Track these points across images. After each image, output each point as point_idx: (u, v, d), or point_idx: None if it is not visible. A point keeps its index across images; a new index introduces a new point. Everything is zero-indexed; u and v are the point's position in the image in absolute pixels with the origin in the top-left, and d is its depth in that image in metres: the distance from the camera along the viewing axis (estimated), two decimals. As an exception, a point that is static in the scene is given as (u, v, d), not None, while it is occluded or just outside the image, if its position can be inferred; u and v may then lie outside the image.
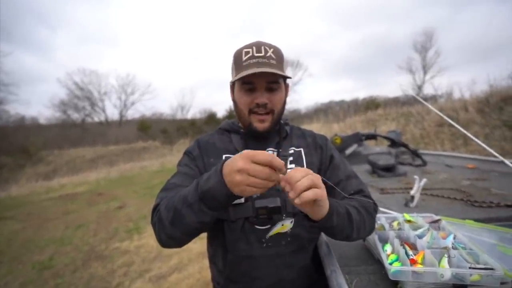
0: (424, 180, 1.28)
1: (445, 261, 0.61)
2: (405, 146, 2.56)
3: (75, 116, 26.70)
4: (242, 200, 0.70)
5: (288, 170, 0.53)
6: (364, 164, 2.27)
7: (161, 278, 2.57)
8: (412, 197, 1.23)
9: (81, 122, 26.91)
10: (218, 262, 0.78)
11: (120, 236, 3.82)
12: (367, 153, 2.51)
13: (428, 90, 18.67)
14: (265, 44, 0.72)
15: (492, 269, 0.57)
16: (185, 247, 0.66)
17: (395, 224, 0.87)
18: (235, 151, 0.76)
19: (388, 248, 0.72)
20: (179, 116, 29.76)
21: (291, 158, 0.77)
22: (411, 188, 1.29)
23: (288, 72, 0.76)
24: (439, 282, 0.59)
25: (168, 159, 13.34)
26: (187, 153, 0.80)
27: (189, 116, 29.54)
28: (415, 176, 1.32)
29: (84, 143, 20.82)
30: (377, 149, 2.71)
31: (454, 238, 0.73)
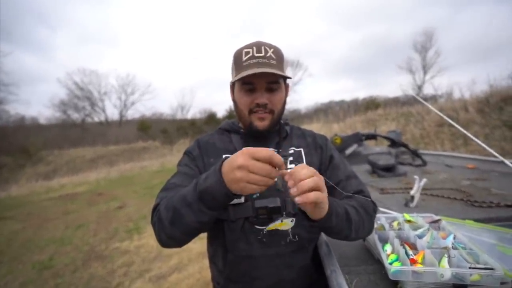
0: (424, 180, 1.28)
1: (445, 261, 0.61)
2: (405, 146, 2.56)
3: (75, 116, 26.72)
4: (242, 200, 0.70)
5: (289, 170, 0.53)
6: (364, 164, 2.27)
7: (161, 278, 2.57)
8: (412, 197, 1.23)
9: (81, 122, 26.93)
10: (218, 262, 0.78)
11: (120, 236, 3.82)
12: (367, 153, 2.51)
13: (428, 90, 18.70)
14: (265, 44, 0.72)
15: (492, 269, 0.57)
16: (185, 247, 0.66)
17: (395, 224, 0.87)
18: (235, 151, 0.76)
19: (388, 248, 0.72)
20: (179, 116, 29.79)
21: (291, 158, 0.77)
22: (411, 188, 1.29)
23: (288, 72, 0.76)
24: (439, 282, 0.59)
25: (168, 159, 13.34)
26: (187, 153, 0.80)
27: (189, 116, 29.57)
28: (415, 176, 1.32)
29: (84, 143, 20.82)
30: (377, 149, 2.71)
31: (454, 238, 0.73)
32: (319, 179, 0.51)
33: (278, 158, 0.49)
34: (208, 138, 0.82)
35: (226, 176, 0.51)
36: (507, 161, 1.43)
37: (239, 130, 0.81)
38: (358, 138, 2.59)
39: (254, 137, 0.78)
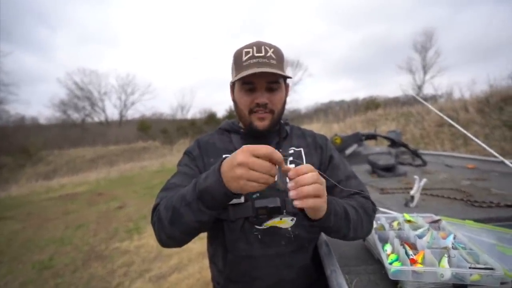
0: (424, 180, 1.28)
1: (445, 261, 0.61)
2: (405, 146, 2.56)
3: (75, 116, 26.72)
4: (242, 200, 0.70)
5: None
6: (364, 164, 2.27)
7: (161, 278, 2.57)
8: (412, 197, 1.23)
9: (81, 122, 26.93)
10: (218, 262, 0.78)
11: (120, 236, 3.82)
12: (367, 153, 2.51)
13: (428, 90, 18.71)
14: (265, 44, 0.72)
15: (492, 269, 0.57)
16: (185, 247, 0.66)
17: (395, 224, 0.87)
18: (234, 151, 0.76)
19: (388, 248, 0.72)
20: (179, 116, 29.80)
21: (291, 158, 0.77)
22: (411, 188, 1.29)
23: (288, 72, 0.76)
24: (439, 282, 0.59)
25: (168, 159, 13.34)
26: (187, 153, 0.80)
27: (189, 116, 29.58)
28: (415, 176, 1.32)
29: (84, 143, 20.82)
30: (377, 149, 2.71)
31: (454, 238, 0.73)
32: (321, 186, 0.51)
33: (278, 155, 0.49)
34: (208, 138, 0.82)
35: (225, 174, 0.50)
36: (507, 161, 1.44)
37: (239, 130, 0.81)
38: (358, 138, 2.59)
39: (254, 137, 0.78)
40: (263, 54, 0.70)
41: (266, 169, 0.48)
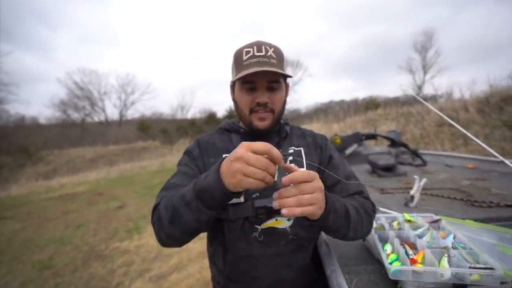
0: (424, 180, 1.28)
1: (445, 260, 0.61)
2: (405, 146, 2.56)
3: (75, 116, 26.73)
4: (242, 199, 0.70)
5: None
6: (364, 164, 2.27)
7: (161, 277, 2.57)
8: (412, 197, 1.23)
9: (81, 122, 26.93)
10: (218, 261, 0.78)
11: (120, 236, 3.82)
12: (367, 153, 2.51)
13: (428, 90, 18.71)
14: (265, 44, 0.72)
15: (492, 268, 0.57)
16: (185, 247, 0.66)
17: (395, 224, 0.86)
18: None
19: (388, 247, 0.72)
20: (179, 116, 29.81)
21: (290, 158, 0.77)
22: (411, 188, 1.29)
23: (288, 71, 0.76)
24: (439, 281, 0.58)
25: (168, 159, 13.34)
26: (187, 152, 0.80)
27: (189, 116, 29.59)
28: (415, 176, 1.32)
29: (84, 143, 20.82)
30: (377, 149, 2.71)
31: (454, 238, 0.73)
32: (320, 195, 0.51)
33: (276, 151, 0.49)
34: (208, 138, 0.82)
35: (223, 170, 0.50)
36: (507, 161, 1.44)
37: (239, 129, 0.81)
38: (358, 138, 2.59)
39: (254, 137, 0.78)
40: (263, 53, 0.70)
41: (264, 165, 0.47)
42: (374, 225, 0.79)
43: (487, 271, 0.56)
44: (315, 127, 11.35)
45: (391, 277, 0.61)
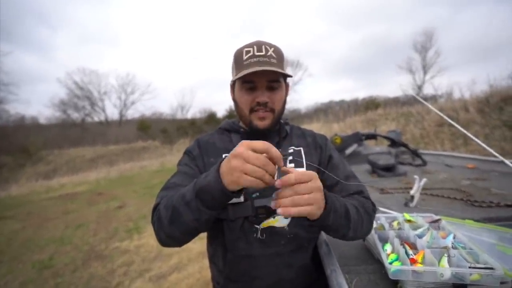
0: (424, 180, 1.28)
1: (445, 260, 0.61)
2: (405, 146, 2.56)
3: (75, 115, 26.74)
4: (242, 199, 0.70)
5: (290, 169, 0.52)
6: (364, 164, 2.27)
7: (161, 277, 2.57)
8: (412, 197, 1.23)
9: (81, 121, 26.94)
10: (217, 261, 0.78)
11: (120, 235, 3.82)
12: (367, 153, 2.51)
13: (428, 90, 18.72)
14: (265, 43, 0.72)
15: (492, 268, 0.57)
16: (185, 246, 0.66)
17: (395, 223, 0.86)
18: None
19: (388, 247, 0.72)
20: (179, 116, 29.84)
21: (290, 157, 0.77)
22: (411, 188, 1.29)
23: (288, 71, 0.76)
24: (439, 281, 0.58)
25: (168, 159, 13.34)
26: (187, 152, 0.81)
27: (189, 116, 29.62)
28: (415, 176, 1.32)
29: (84, 142, 20.82)
30: (377, 149, 2.71)
31: (454, 237, 0.73)
32: (319, 195, 0.51)
33: (275, 150, 0.49)
34: (208, 138, 0.82)
35: (222, 169, 0.50)
36: (507, 161, 1.43)
37: (239, 129, 0.81)
38: (358, 138, 2.59)
39: (254, 137, 0.78)
40: (263, 53, 0.70)
41: (262, 163, 0.47)
42: (374, 225, 0.79)
43: (487, 271, 0.56)
44: (315, 127, 11.35)
45: (391, 277, 0.61)
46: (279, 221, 0.67)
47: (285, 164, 0.75)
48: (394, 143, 2.67)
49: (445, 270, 0.57)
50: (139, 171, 11.11)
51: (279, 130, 0.82)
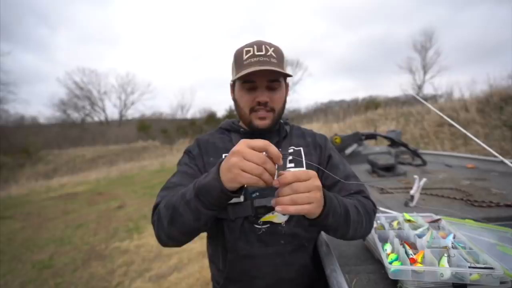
0: (424, 179, 1.28)
1: (444, 260, 0.61)
2: (405, 145, 2.56)
3: (75, 115, 26.78)
4: (241, 199, 0.70)
5: (290, 169, 0.53)
6: (364, 163, 2.27)
7: (161, 277, 2.57)
8: (412, 197, 1.23)
9: (81, 121, 26.96)
10: (217, 261, 0.78)
11: (120, 235, 3.82)
12: (367, 152, 2.52)
13: (428, 90, 18.72)
14: (266, 43, 0.72)
15: (491, 268, 0.57)
16: (185, 246, 0.66)
17: (395, 223, 0.86)
18: None
19: (388, 247, 0.72)
20: (179, 115, 29.87)
21: (290, 157, 0.77)
22: (411, 188, 1.29)
23: (288, 71, 0.76)
24: (439, 281, 0.58)
25: (168, 159, 13.34)
26: (187, 152, 0.81)
27: (189, 115, 29.66)
28: (415, 176, 1.32)
29: (84, 142, 20.84)
30: (377, 148, 2.71)
31: (454, 237, 0.73)
32: (317, 194, 0.51)
33: (274, 148, 0.49)
34: (208, 137, 0.82)
35: (222, 168, 0.50)
36: (506, 161, 1.43)
37: (239, 129, 0.81)
38: (358, 138, 2.59)
39: (254, 136, 0.78)
40: (263, 52, 0.70)
41: (261, 160, 0.47)
42: (374, 225, 0.79)
43: (487, 270, 0.56)
44: (315, 127, 11.35)
45: (391, 276, 0.61)
46: (277, 217, 0.68)
47: (285, 164, 0.75)
48: (394, 143, 2.67)
49: (445, 270, 0.57)
50: (139, 171, 11.11)
51: (279, 130, 0.82)
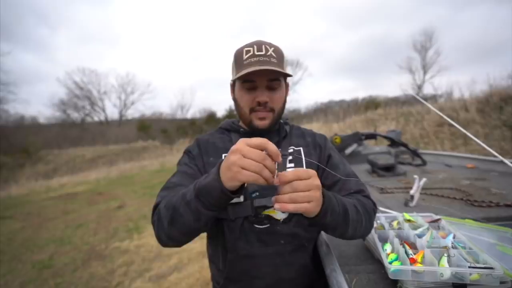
0: (424, 179, 1.28)
1: (444, 260, 0.61)
2: (405, 145, 2.56)
3: (75, 115, 26.78)
4: (241, 199, 0.70)
5: (290, 169, 0.53)
6: (363, 163, 2.27)
7: (161, 277, 2.57)
8: (412, 197, 1.23)
9: (80, 121, 26.96)
10: (217, 261, 0.78)
11: (120, 235, 3.82)
12: (366, 152, 2.52)
13: (428, 90, 18.73)
14: (266, 43, 0.72)
15: (491, 268, 0.57)
16: (185, 246, 0.66)
17: (395, 223, 0.87)
18: None
19: (388, 247, 0.72)
20: (178, 115, 29.88)
21: (290, 157, 0.77)
22: (410, 188, 1.29)
23: (288, 71, 0.76)
24: (438, 281, 0.58)
25: (168, 159, 13.34)
26: (186, 152, 0.81)
27: (189, 115, 29.67)
28: (415, 176, 1.32)
29: (83, 142, 20.84)
30: (376, 148, 2.71)
31: (454, 237, 0.73)
32: (317, 193, 0.51)
33: (272, 146, 0.49)
34: (208, 137, 0.82)
35: (222, 166, 0.51)
36: (506, 161, 1.43)
37: (239, 129, 0.81)
38: (358, 138, 2.59)
39: (254, 136, 0.78)
40: (263, 52, 0.70)
41: (260, 157, 0.48)
42: (374, 224, 0.79)
43: (487, 270, 0.56)
44: (315, 127, 11.36)
45: (391, 276, 0.61)
46: (278, 214, 0.69)
47: (284, 164, 0.75)
48: (394, 143, 2.67)
49: (445, 269, 0.58)
50: (139, 171, 11.11)
51: (279, 130, 0.82)
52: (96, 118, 28.32)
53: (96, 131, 24.55)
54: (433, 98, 11.98)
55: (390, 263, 0.64)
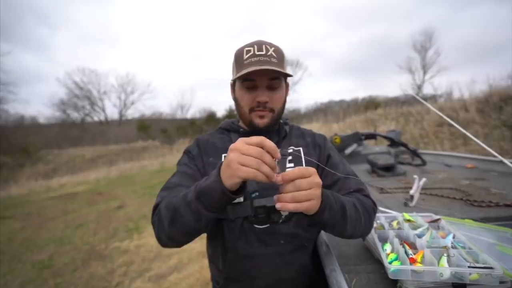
0: (424, 179, 1.28)
1: (444, 260, 0.61)
2: (405, 145, 2.56)
3: (75, 115, 26.78)
4: (241, 199, 0.70)
5: (289, 169, 0.53)
6: (363, 163, 2.27)
7: (161, 277, 2.57)
8: (412, 197, 1.23)
9: (80, 121, 26.95)
10: (217, 261, 0.78)
11: (120, 235, 3.82)
12: (366, 152, 2.52)
13: (427, 90, 18.73)
14: (266, 43, 0.72)
15: (491, 268, 0.57)
16: (185, 246, 0.66)
17: (394, 223, 0.87)
18: None
19: (387, 247, 0.72)
20: (178, 115, 29.88)
21: (290, 157, 0.77)
22: (410, 188, 1.29)
23: (288, 71, 0.76)
24: (438, 281, 0.59)
25: (168, 159, 13.33)
26: (186, 152, 0.81)
27: (189, 115, 29.67)
28: (415, 176, 1.32)
29: (83, 142, 20.84)
30: (376, 148, 2.71)
31: (454, 237, 0.73)
32: (317, 191, 0.52)
33: (269, 142, 0.49)
34: (208, 137, 0.82)
35: (222, 165, 0.51)
36: (506, 161, 1.44)
37: (238, 129, 0.81)
38: (358, 138, 2.59)
39: (254, 136, 0.78)
40: (264, 52, 0.70)
41: (258, 153, 0.48)
42: (374, 224, 0.80)
43: (486, 270, 0.56)
44: (315, 127, 11.36)
45: (390, 276, 0.61)
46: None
47: (284, 164, 0.75)
48: (393, 143, 2.67)
49: (445, 269, 0.58)
50: (139, 171, 11.11)
51: (279, 130, 0.82)
52: (96, 118, 28.36)
53: (96, 131, 24.54)
54: (433, 98, 11.99)
55: (390, 263, 0.64)
